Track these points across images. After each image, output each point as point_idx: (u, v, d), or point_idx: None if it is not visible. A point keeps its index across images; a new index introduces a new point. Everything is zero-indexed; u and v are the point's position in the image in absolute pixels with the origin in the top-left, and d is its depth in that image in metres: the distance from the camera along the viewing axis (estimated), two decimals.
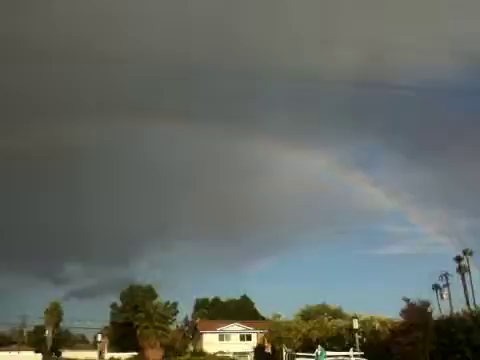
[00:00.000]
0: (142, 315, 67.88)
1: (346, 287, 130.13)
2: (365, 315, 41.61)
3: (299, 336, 47.04)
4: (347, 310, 56.09)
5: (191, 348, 77.97)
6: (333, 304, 62.24)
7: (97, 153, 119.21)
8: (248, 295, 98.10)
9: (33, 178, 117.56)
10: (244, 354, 70.51)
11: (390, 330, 36.29)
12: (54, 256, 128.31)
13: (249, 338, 74.45)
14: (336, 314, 54.89)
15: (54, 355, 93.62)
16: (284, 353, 40.20)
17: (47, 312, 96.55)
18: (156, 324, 66.76)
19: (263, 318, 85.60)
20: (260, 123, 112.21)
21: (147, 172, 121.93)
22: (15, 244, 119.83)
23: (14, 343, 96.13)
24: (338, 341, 40.46)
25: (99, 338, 57.03)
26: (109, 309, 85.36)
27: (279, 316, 73.80)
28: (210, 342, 72.95)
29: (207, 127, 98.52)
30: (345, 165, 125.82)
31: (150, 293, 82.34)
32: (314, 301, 62.77)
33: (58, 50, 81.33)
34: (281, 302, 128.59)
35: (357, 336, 37.24)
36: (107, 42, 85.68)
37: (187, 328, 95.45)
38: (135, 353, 72.68)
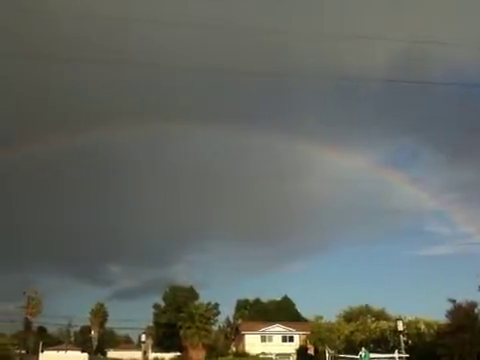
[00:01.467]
0: (184, 316, 68.68)
1: (389, 288, 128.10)
2: (409, 317, 40.90)
3: (342, 338, 46.65)
4: (391, 312, 55.26)
5: (233, 349, 78.30)
6: (376, 305, 61.32)
7: (135, 155, 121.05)
8: (289, 296, 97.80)
9: (76, 179, 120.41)
10: (286, 355, 70.35)
11: (436, 332, 35.57)
12: (97, 258, 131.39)
13: (291, 339, 74.14)
14: (379, 316, 54.08)
15: (100, 355, 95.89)
16: (327, 355, 39.96)
17: (92, 313, 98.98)
18: (198, 325, 67.42)
19: (304, 319, 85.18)
20: (297, 123, 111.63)
21: (185, 173, 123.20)
22: (59, 246, 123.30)
23: (61, 343, 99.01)
24: (382, 343, 39.91)
25: (143, 338, 58.00)
26: (152, 310, 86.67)
27: (321, 317, 73.45)
28: (252, 343, 73.00)
29: (242, 128, 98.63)
30: (385, 164, 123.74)
31: (191, 294, 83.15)
32: (356, 302, 61.96)
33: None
34: (322, 303, 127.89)
35: (402, 338, 36.59)
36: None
37: (229, 329, 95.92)
38: (178, 353, 73.62)
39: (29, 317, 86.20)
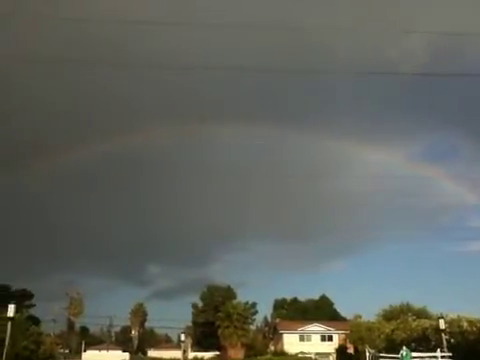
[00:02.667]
0: (222, 315, 69.14)
1: (430, 286, 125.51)
2: (452, 315, 39.88)
3: (382, 337, 45.97)
4: (432, 310, 54.05)
5: (272, 348, 78.25)
6: (417, 304, 60.06)
7: (172, 156, 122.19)
8: (327, 295, 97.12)
9: (115, 181, 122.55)
10: (326, 355, 69.88)
11: (479, 329, 34.62)
12: (136, 258, 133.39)
13: (330, 339, 73.54)
14: (421, 314, 52.98)
15: (140, 354, 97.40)
16: (367, 354, 39.36)
17: (132, 312, 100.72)
18: (236, 324, 67.79)
19: (343, 318, 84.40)
20: (333, 120, 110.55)
21: (222, 173, 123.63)
22: (100, 247, 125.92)
23: (103, 342, 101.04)
24: (424, 342, 39.08)
25: (182, 338, 58.51)
26: (190, 309, 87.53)
27: (360, 316, 72.66)
28: (290, 342, 72.76)
29: (278, 126, 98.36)
30: (424, 159, 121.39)
31: (229, 293, 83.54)
32: (396, 301, 60.83)
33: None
34: (361, 302, 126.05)
35: (444, 337, 35.77)
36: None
37: (267, 328, 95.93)
38: (217, 352, 74.12)
39: (72, 317, 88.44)
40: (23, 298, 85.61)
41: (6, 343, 29.56)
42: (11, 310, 30.11)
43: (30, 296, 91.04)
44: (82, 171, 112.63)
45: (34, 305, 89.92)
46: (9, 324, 29.75)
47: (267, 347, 79.87)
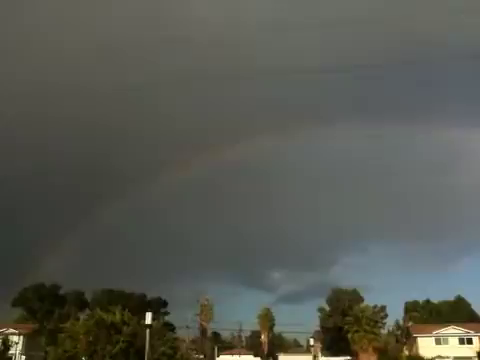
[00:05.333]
0: (351, 319, 67.85)
1: None
2: None
3: None
4: None
5: (406, 352, 75.18)
6: None
7: (291, 159, 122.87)
8: (462, 295, 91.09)
9: (235, 193, 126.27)
10: (466, 359, 65.69)
11: None
12: (260, 264, 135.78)
13: (470, 342, 68.81)
14: None
15: (271, 359, 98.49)
16: None
17: (259, 317, 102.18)
18: (366, 328, 66.10)
19: None
20: (451, 111, 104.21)
21: (337, 174, 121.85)
22: (225, 255, 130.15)
23: (233, 347, 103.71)
24: None
25: (312, 342, 58.41)
26: (317, 313, 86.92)
27: None
28: (425, 346, 69.23)
29: (391, 125, 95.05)
30: None
31: (355, 297, 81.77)
32: None
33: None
34: None
35: None
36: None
37: (399, 332, 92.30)
38: (348, 357, 72.81)
39: (204, 323, 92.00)
40: (158, 306, 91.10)
41: (146, 349, 31.55)
42: (149, 318, 32.10)
43: (165, 304, 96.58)
44: (212, 182, 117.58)
45: (169, 313, 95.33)
46: (148, 331, 31.73)
47: (401, 351, 76.85)
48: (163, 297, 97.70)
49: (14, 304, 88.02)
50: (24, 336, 65.30)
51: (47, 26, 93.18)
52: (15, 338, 61.48)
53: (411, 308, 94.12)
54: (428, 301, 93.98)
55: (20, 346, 62.76)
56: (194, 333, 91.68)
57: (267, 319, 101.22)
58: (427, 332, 71.69)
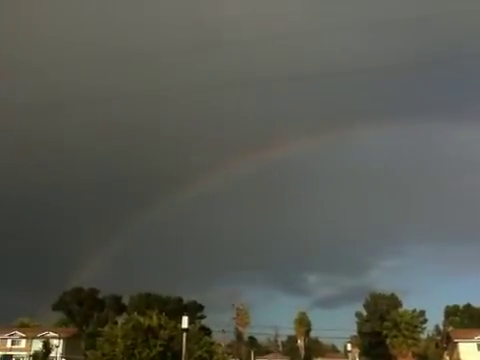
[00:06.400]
0: (389, 324, 66.79)
1: None
2: None
3: None
4: None
5: (447, 358, 73.40)
6: None
7: (325, 161, 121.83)
8: None
9: (271, 196, 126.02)
10: None
11: None
12: (295, 268, 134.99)
13: None
14: None
15: None
16: None
17: (296, 322, 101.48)
18: (405, 333, 65.00)
19: None
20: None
21: (377, 176, 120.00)
22: (260, 259, 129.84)
23: (270, 352, 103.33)
24: None
25: (349, 347, 57.66)
26: (354, 318, 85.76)
27: None
28: (467, 352, 67.34)
29: (422, 126, 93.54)
30: None
31: (393, 301, 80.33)
32: None
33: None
34: None
35: None
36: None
37: (439, 337, 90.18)
38: None
39: (239, 328, 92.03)
40: (195, 310, 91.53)
41: (183, 352, 31.70)
42: (185, 322, 32.23)
43: (201, 308, 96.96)
44: (237, 189, 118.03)
45: (205, 316, 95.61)
46: (184, 335, 31.89)
47: (441, 357, 75.14)
48: (199, 301, 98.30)
49: (54, 308, 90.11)
50: (64, 340, 66.93)
51: None
52: (55, 341, 63.13)
53: (451, 312, 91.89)
54: (469, 305, 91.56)
55: (60, 349, 64.32)
56: (230, 337, 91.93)
57: (303, 324, 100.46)
58: (469, 337, 69.74)
